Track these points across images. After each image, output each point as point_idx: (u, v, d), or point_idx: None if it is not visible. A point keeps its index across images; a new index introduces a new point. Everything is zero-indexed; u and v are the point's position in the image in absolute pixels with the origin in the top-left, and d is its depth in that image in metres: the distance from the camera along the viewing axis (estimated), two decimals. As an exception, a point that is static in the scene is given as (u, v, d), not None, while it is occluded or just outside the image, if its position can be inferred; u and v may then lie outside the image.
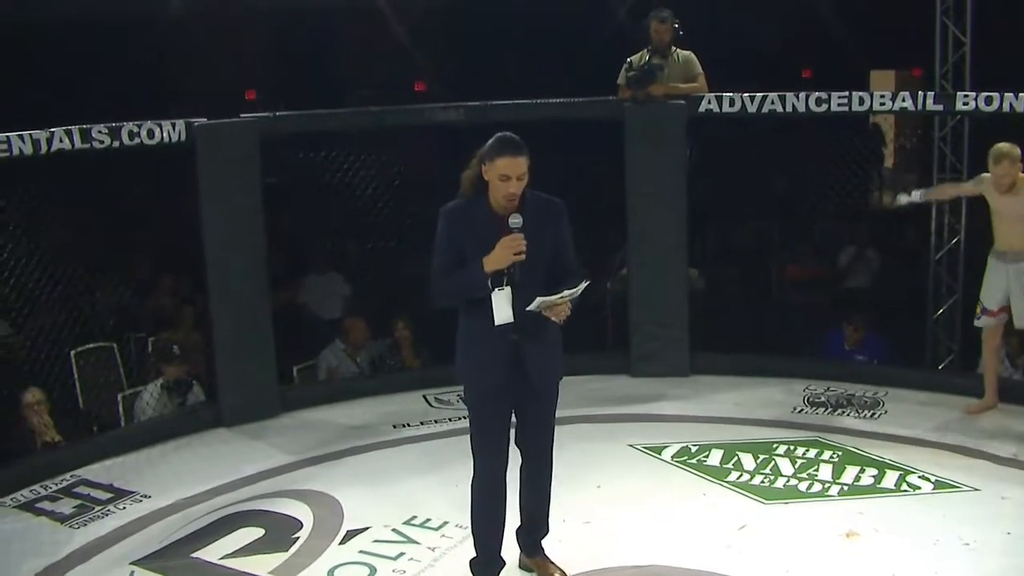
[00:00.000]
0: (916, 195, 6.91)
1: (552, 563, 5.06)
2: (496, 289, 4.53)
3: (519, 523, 5.07)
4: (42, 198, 7.27)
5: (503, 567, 4.95)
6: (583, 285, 4.53)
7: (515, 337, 4.59)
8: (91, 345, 8.02)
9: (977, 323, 7.01)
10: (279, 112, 7.77)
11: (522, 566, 5.14)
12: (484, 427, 4.77)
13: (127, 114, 6.86)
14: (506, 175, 4.47)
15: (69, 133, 6.43)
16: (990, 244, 6.87)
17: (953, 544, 5.37)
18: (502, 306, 4.53)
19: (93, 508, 6.13)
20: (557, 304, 4.48)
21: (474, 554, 4.95)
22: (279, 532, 5.72)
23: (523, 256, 4.48)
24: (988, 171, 6.69)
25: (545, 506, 5.03)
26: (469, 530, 4.95)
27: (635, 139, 7.83)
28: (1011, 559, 5.21)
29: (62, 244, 8.10)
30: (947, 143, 8.16)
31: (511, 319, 4.54)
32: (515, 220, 4.49)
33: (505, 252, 4.48)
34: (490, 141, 4.55)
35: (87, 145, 6.52)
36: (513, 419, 4.82)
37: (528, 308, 4.46)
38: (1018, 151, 6.55)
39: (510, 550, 5.06)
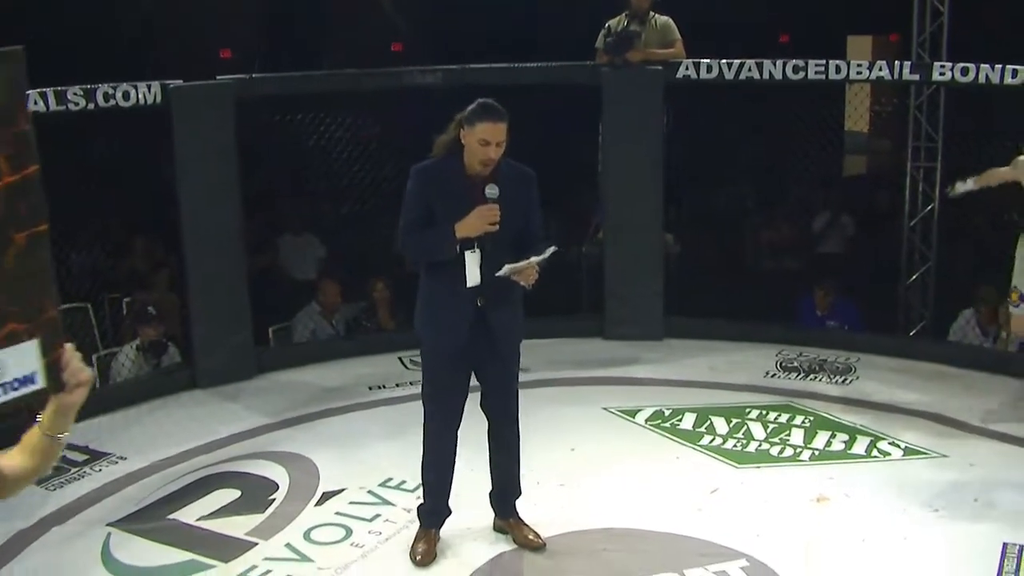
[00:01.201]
0: (969, 183, 6.68)
1: (526, 525, 5.12)
2: (467, 252, 4.60)
3: (491, 487, 5.13)
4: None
5: (448, 515, 5.08)
6: (550, 251, 4.58)
7: (481, 300, 4.66)
8: (65, 306, 7.97)
9: (1015, 311, 6.53)
10: (255, 74, 7.72)
11: (497, 528, 5.20)
12: (440, 388, 4.85)
13: (103, 74, 6.80)
14: (486, 140, 4.52)
15: (44, 95, 6.36)
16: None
17: (922, 510, 5.45)
18: (473, 269, 4.61)
19: (69, 470, 6.12)
20: (525, 270, 4.55)
21: (423, 501, 5.10)
22: (255, 494, 5.74)
23: (497, 228, 4.55)
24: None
25: (515, 468, 5.09)
26: (443, 493, 5.03)
27: (612, 104, 7.83)
28: (979, 525, 5.29)
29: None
30: (923, 112, 8.19)
31: (479, 282, 4.62)
32: (491, 191, 4.56)
33: (479, 222, 4.55)
34: (472, 106, 4.59)
35: (62, 107, 6.46)
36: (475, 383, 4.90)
37: (498, 274, 4.53)
38: None
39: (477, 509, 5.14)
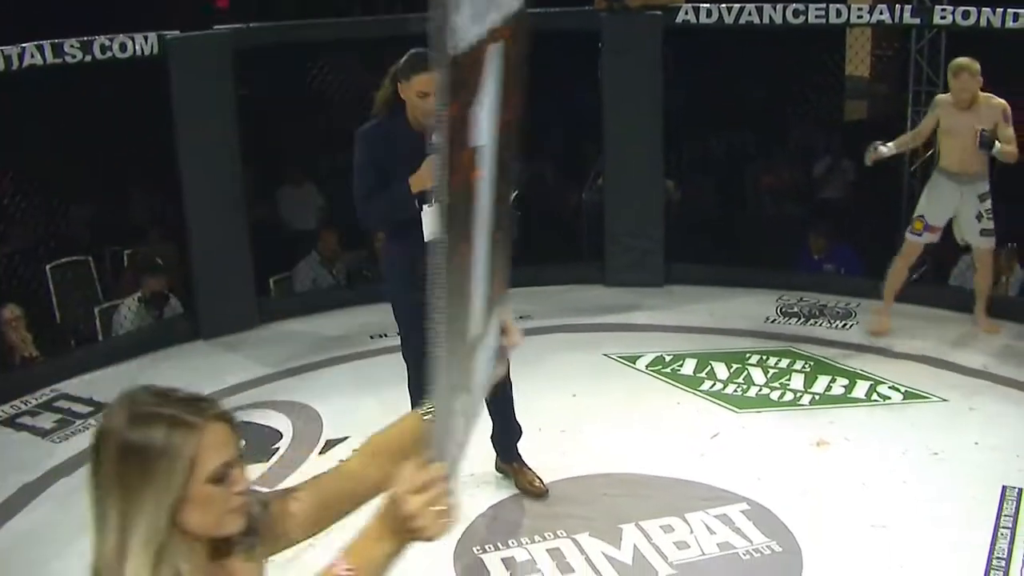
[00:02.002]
0: (889, 146, 6.85)
1: (529, 469, 5.15)
2: (425, 206, 4.49)
3: (491, 431, 5.13)
4: (12, 112, 7.18)
5: None
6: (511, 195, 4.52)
7: None
8: (66, 259, 7.99)
9: (915, 238, 6.91)
10: (252, 23, 7.67)
11: (499, 470, 5.24)
12: (415, 342, 4.75)
13: (96, 26, 6.77)
14: (424, 92, 4.36)
15: (40, 48, 6.32)
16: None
17: (921, 453, 5.49)
18: (432, 222, 4.53)
19: (74, 422, 6.17)
20: None
21: None
22: (259, 443, 5.79)
23: None
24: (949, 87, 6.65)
25: (510, 409, 5.07)
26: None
27: (611, 50, 7.79)
28: (978, 468, 5.33)
29: (35, 158, 8.03)
30: (924, 56, 8.14)
31: None
32: (437, 139, 4.46)
33: (431, 172, 4.44)
34: (404, 58, 4.47)
35: (59, 60, 6.42)
36: None
37: None
38: (977, 65, 6.47)
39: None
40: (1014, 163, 6.59)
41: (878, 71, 11.61)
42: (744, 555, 4.70)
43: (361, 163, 4.61)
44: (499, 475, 5.24)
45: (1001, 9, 7.06)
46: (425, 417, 2.04)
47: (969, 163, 6.65)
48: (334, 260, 8.35)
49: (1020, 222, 7.65)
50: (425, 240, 4.48)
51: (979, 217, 6.74)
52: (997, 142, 6.44)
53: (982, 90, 6.54)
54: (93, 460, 1.85)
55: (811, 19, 7.52)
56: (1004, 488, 5.11)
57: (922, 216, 6.86)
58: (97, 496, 1.84)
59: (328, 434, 5.86)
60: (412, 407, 4.94)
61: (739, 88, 10.51)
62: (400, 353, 5.13)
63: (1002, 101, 6.58)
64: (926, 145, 8.28)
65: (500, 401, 5.05)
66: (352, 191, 4.70)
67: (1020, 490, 5.09)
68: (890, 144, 6.85)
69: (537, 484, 5.10)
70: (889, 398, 6.18)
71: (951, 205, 6.78)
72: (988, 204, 6.73)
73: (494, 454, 5.24)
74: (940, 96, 6.81)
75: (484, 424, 5.09)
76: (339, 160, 9.74)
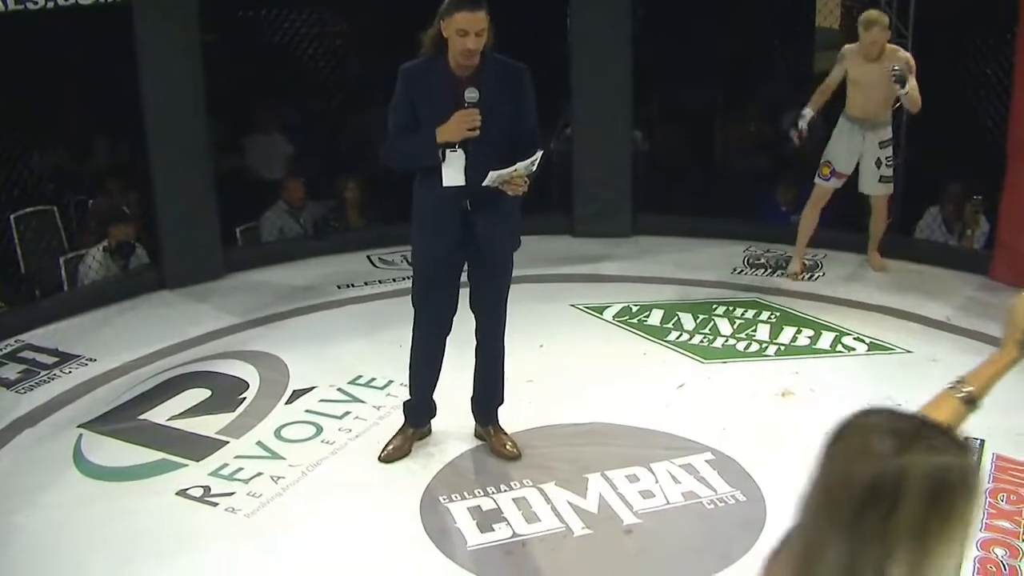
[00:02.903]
0: (807, 113, 6.98)
1: (504, 434, 5.13)
2: (448, 151, 4.47)
3: (472, 393, 5.13)
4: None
5: (434, 414, 5.13)
6: (537, 156, 4.43)
7: (467, 204, 4.56)
8: (31, 209, 7.91)
9: (824, 183, 7.11)
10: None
11: (477, 435, 5.22)
12: (428, 292, 4.80)
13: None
14: (464, 30, 4.35)
15: (3, -7, 6.24)
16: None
17: (885, 404, 5.51)
18: (454, 168, 4.49)
19: (39, 373, 6.14)
20: (513, 177, 4.40)
21: (409, 398, 5.11)
22: (225, 393, 5.78)
23: (477, 132, 4.41)
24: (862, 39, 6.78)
25: (497, 375, 5.08)
26: (413, 389, 5.06)
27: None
28: (940, 418, 5.37)
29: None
30: (893, 7, 8.12)
31: (461, 182, 4.50)
32: (471, 94, 4.41)
33: (459, 127, 4.42)
34: None
35: (21, 7, 6.31)
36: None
37: (484, 183, 4.39)
38: (887, 19, 6.76)
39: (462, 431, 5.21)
40: (916, 112, 6.78)
41: (848, 23, 11.58)
42: (708, 504, 4.74)
43: (396, 101, 4.57)
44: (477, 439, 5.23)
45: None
46: None
47: (873, 111, 6.89)
48: (301, 209, 8.30)
49: (986, 174, 7.67)
50: (443, 184, 4.52)
51: (878, 163, 6.98)
52: (910, 78, 6.57)
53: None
54: (881, 502, 1.58)
55: (780, -31, 7.50)
56: (966, 439, 5.14)
57: (829, 161, 7.08)
58: (863, 542, 1.59)
59: (294, 384, 5.85)
60: (414, 356, 4.98)
61: (709, 39, 10.47)
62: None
63: (906, 54, 6.77)
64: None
65: (488, 365, 5.04)
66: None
67: (982, 441, 5.12)
68: (806, 111, 7.02)
69: (510, 448, 5.08)
70: (854, 349, 6.23)
71: (856, 150, 6.99)
72: (889, 152, 7.02)
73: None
74: (847, 47, 6.98)
75: (463, 384, 5.09)
76: (309, 108, 9.74)
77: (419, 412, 5.11)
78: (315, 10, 8.93)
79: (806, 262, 7.39)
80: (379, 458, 5.04)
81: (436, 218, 4.63)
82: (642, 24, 8.02)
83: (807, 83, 10.54)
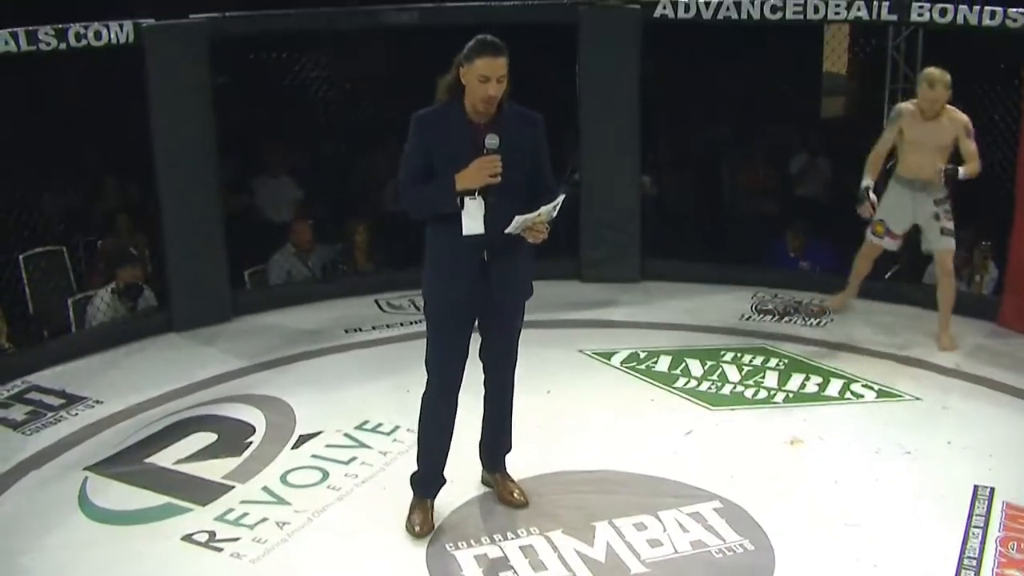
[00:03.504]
0: (866, 186, 6.79)
1: (512, 481, 5.07)
2: (467, 199, 4.41)
3: (481, 438, 5.07)
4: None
5: (443, 485, 4.94)
6: (560, 200, 4.40)
7: (485, 254, 4.50)
8: (39, 249, 7.93)
9: (876, 241, 6.98)
10: (229, 12, 7.62)
11: (484, 481, 5.17)
12: (442, 342, 4.69)
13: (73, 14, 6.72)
14: (485, 76, 4.33)
15: (15, 35, 6.25)
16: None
17: (894, 452, 5.51)
18: (474, 216, 4.43)
19: (46, 414, 6.13)
20: (535, 223, 4.37)
21: (416, 468, 4.92)
22: (232, 437, 5.76)
23: (498, 179, 4.37)
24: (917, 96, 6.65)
25: (506, 423, 5.02)
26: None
27: (589, 44, 7.79)
28: (951, 467, 5.35)
29: (6, 146, 7.96)
30: (900, 52, 8.15)
31: (481, 231, 4.43)
32: (492, 140, 4.37)
33: (480, 174, 4.36)
34: (470, 43, 4.41)
35: (33, 48, 6.36)
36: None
37: (507, 230, 4.35)
38: (949, 77, 6.52)
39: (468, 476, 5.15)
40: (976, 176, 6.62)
41: (855, 67, 11.63)
42: (717, 553, 4.70)
43: (410, 148, 4.51)
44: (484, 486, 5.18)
45: (978, 7, 7.06)
46: None
47: (925, 171, 6.65)
48: (309, 252, 8.31)
49: (995, 220, 7.67)
50: (464, 234, 4.46)
51: (936, 216, 6.74)
52: (960, 169, 6.50)
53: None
54: None
55: (789, 15, 7.52)
56: (976, 487, 5.12)
57: (883, 220, 6.91)
58: None
59: (301, 429, 5.83)
60: (426, 421, 4.81)
61: (717, 84, 10.51)
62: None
63: (964, 116, 6.61)
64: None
65: (497, 412, 4.98)
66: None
67: (992, 489, 5.11)
68: (868, 182, 6.80)
69: (517, 496, 5.03)
70: (863, 396, 6.20)
71: (907, 212, 6.81)
72: (946, 206, 6.74)
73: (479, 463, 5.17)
74: (902, 105, 6.80)
75: (471, 428, 5.05)
76: (318, 151, 9.78)
77: (432, 485, 4.93)
78: (325, 54, 8.98)
79: (848, 302, 7.37)
80: (415, 535, 4.81)
81: (452, 265, 4.56)
82: (650, 69, 8.03)
83: (814, 128, 10.63)
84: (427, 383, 4.78)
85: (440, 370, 4.74)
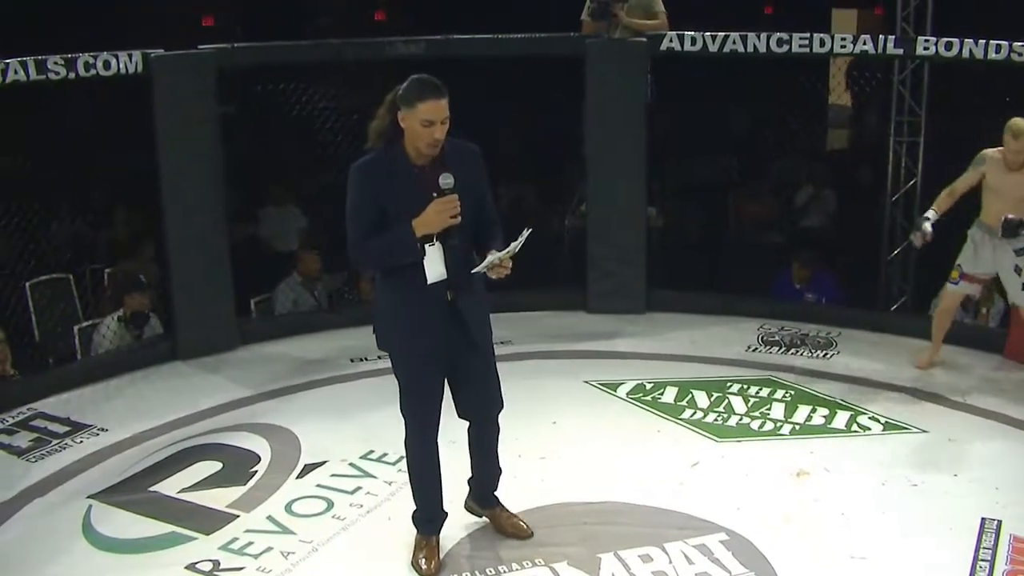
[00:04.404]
0: (931, 215, 6.67)
1: (510, 512, 5.01)
2: (426, 246, 4.29)
3: (471, 475, 4.99)
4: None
5: (446, 518, 4.88)
6: (525, 234, 4.28)
7: (450, 294, 4.40)
8: (46, 277, 7.95)
9: (952, 286, 6.85)
10: (237, 43, 7.67)
11: (468, 508, 5.09)
12: (420, 392, 4.56)
13: (80, 43, 6.76)
14: (429, 120, 4.15)
15: (24, 64, 6.30)
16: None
17: (901, 485, 5.48)
18: (435, 263, 4.31)
19: (50, 441, 6.13)
20: (503, 260, 4.28)
21: (415, 507, 4.86)
22: (237, 466, 5.75)
23: (459, 219, 4.26)
24: (1000, 144, 6.50)
25: (495, 467, 4.94)
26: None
27: (596, 76, 7.81)
28: (958, 500, 5.32)
29: (15, 174, 8.01)
30: (906, 86, 8.19)
31: (444, 275, 4.33)
32: (446, 180, 4.22)
33: (439, 216, 4.23)
34: (406, 84, 4.25)
35: (42, 76, 6.40)
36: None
37: (475, 270, 4.29)
38: None
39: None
40: None
41: (860, 100, 11.67)
42: (723, 586, 4.68)
43: (357, 202, 4.32)
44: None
45: (984, 41, 7.09)
46: None
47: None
48: (317, 281, 8.32)
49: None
50: (428, 282, 4.35)
51: (1018, 271, 6.63)
52: (1021, 229, 6.42)
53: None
54: None
55: (795, 48, 7.54)
56: (983, 520, 5.10)
57: (959, 265, 6.78)
58: None
59: (306, 458, 5.82)
60: (416, 467, 4.70)
61: (722, 116, 10.56)
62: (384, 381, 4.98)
63: None
64: (908, 175, 8.34)
65: (486, 458, 4.89)
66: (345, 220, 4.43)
67: (999, 522, 5.08)
68: (930, 213, 6.69)
69: (521, 526, 4.97)
70: (869, 429, 6.18)
71: (987, 258, 6.69)
72: None
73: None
74: (988, 152, 6.58)
75: (460, 459, 5.01)
76: (324, 181, 9.80)
77: (434, 522, 4.85)
78: (332, 85, 9.02)
79: (935, 360, 7.08)
80: (421, 574, 4.74)
81: (419, 313, 4.41)
82: (656, 101, 8.06)
83: (819, 160, 10.67)
84: (407, 428, 4.66)
85: (420, 417, 4.61)
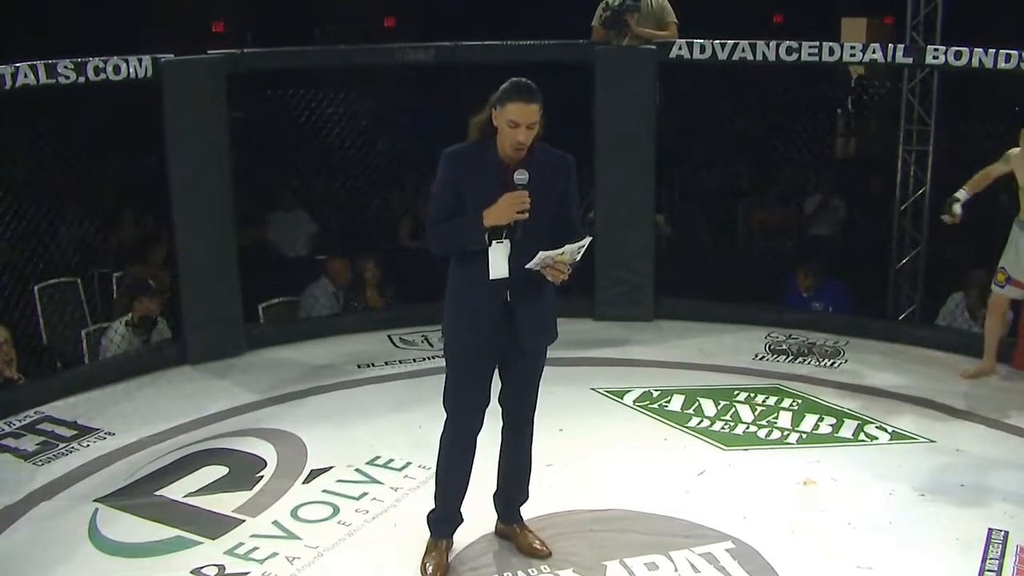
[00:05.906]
0: (961, 194, 6.58)
1: (531, 531, 4.97)
2: (495, 241, 4.37)
3: (496, 489, 4.98)
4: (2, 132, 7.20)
5: (461, 523, 4.88)
6: (586, 242, 4.34)
7: (508, 295, 4.44)
8: (54, 281, 7.96)
9: (998, 290, 6.73)
10: (246, 48, 7.69)
11: (499, 533, 5.05)
12: (463, 385, 4.60)
13: (92, 47, 6.78)
14: (515, 122, 4.27)
15: (34, 68, 6.30)
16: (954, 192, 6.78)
17: (908, 494, 5.47)
18: (499, 260, 4.37)
19: (57, 445, 6.13)
20: (557, 261, 4.30)
21: (433, 507, 4.85)
22: (243, 471, 5.75)
23: (526, 215, 4.31)
24: (1019, 143, 6.47)
25: (525, 475, 4.93)
26: (432, 471, 4.88)
27: (605, 83, 7.81)
28: (965, 511, 5.31)
29: (24, 178, 8.02)
30: (915, 95, 8.17)
31: (506, 274, 4.39)
32: (520, 176, 4.31)
33: (508, 209, 4.30)
34: (503, 85, 4.35)
35: (52, 81, 6.40)
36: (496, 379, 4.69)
37: (528, 265, 4.29)
38: None
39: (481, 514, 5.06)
40: None
41: (869, 109, 11.68)
42: (729, 594, 4.67)
43: (439, 185, 4.46)
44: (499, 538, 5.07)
45: (993, 50, 7.09)
46: None
47: None
48: (341, 289, 8.29)
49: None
50: (490, 278, 4.40)
51: None
52: None
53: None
54: None
55: (804, 57, 7.55)
56: (990, 531, 5.08)
57: (1003, 268, 6.67)
58: None
59: (312, 464, 5.82)
60: (445, 460, 4.73)
61: (731, 123, 10.56)
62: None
63: None
64: (916, 184, 8.33)
65: (515, 465, 4.88)
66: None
67: (1006, 533, 5.07)
68: (961, 192, 6.59)
69: (539, 547, 4.91)
70: (876, 438, 6.17)
71: None
72: None
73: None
74: (1013, 151, 6.51)
75: (484, 474, 4.98)
76: (333, 187, 9.83)
77: (449, 525, 4.86)
78: (342, 90, 9.04)
79: (984, 370, 6.94)
80: None
81: (474, 308, 4.48)
82: (665, 108, 8.06)
83: (827, 167, 10.66)
84: (445, 424, 4.71)
85: (459, 416, 4.65)
